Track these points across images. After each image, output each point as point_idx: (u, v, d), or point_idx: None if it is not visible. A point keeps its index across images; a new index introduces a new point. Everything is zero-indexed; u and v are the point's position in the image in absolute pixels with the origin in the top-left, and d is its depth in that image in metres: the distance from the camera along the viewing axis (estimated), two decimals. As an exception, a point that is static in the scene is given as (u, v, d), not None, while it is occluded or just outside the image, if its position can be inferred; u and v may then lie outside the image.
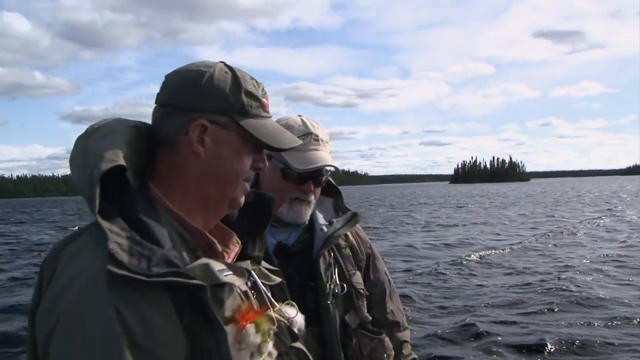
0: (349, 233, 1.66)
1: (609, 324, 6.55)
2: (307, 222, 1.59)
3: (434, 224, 22.63)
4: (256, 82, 1.00)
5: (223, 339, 0.80)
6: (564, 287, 8.42)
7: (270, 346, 0.91)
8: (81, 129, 0.93)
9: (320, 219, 1.62)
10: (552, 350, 5.71)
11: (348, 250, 1.64)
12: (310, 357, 1.05)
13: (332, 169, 1.57)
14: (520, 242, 14.61)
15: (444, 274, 10.29)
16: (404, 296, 8.16)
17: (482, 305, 7.75)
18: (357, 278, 1.61)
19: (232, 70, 0.97)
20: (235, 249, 1.04)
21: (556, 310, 7.30)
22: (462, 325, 6.69)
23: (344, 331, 1.52)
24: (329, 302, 1.50)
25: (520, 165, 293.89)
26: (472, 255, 12.34)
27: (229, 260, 1.00)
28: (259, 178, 1.57)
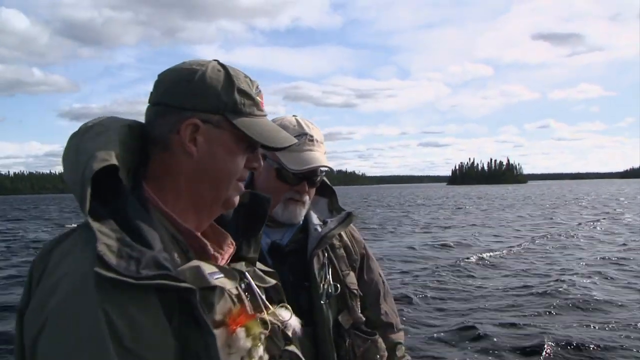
0: (343, 233, 1.67)
1: (607, 326, 6.54)
2: (301, 222, 1.59)
3: (432, 225, 22.66)
4: (250, 80, 0.99)
5: (212, 342, 0.79)
6: (562, 290, 8.43)
7: (261, 350, 0.91)
8: (79, 126, 0.92)
9: (315, 219, 1.63)
10: (550, 352, 5.71)
11: (342, 251, 1.64)
12: None
13: (327, 169, 1.58)
14: (519, 245, 14.63)
15: (442, 275, 10.29)
16: (402, 297, 8.17)
17: (481, 307, 7.75)
18: (351, 278, 1.61)
19: (225, 68, 0.96)
20: (229, 250, 1.03)
21: (554, 312, 7.30)
22: (460, 327, 6.70)
23: (338, 331, 1.52)
24: (322, 302, 1.50)
25: (517, 167, 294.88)
26: (471, 257, 12.33)
27: (223, 262, 0.99)
28: (254, 178, 1.57)
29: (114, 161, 0.83)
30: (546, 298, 8.05)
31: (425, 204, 48.08)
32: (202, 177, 0.93)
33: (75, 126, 0.94)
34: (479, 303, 8.01)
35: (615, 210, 29.14)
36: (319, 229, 1.58)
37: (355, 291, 1.60)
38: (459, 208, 37.49)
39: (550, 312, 7.29)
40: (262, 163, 1.04)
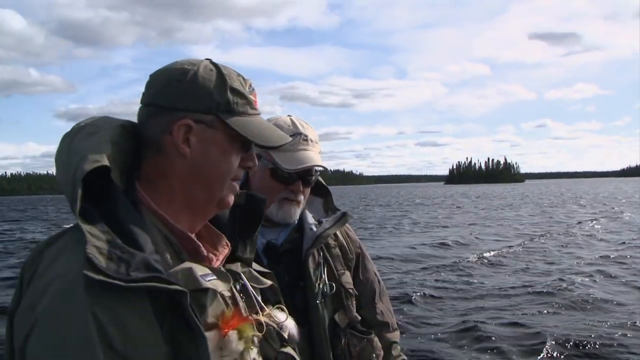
0: (338, 233, 1.67)
1: (607, 324, 6.55)
2: (296, 222, 1.59)
3: (431, 224, 22.67)
4: (243, 79, 0.98)
5: (203, 345, 0.78)
6: (562, 288, 8.43)
7: (254, 353, 0.90)
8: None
9: (310, 218, 1.63)
10: (550, 351, 5.70)
11: (337, 250, 1.64)
12: None
13: (322, 169, 1.58)
14: (518, 243, 14.64)
15: (441, 274, 10.30)
16: (401, 297, 8.17)
17: (480, 306, 7.75)
18: (347, 278, 1.61)
19: (218, 67, 0.95)
20: (224, 251, 1.02)
21: (554, 311, 7.30)
22: (460, 326, 6.70)
23: (333, 331, 1.52)
24: (318, 301, 1.50)
25: (514, 166, 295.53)
26: (470, 256, 12.34)
27: (218, 263, 0.98)
28: (249, 178, 1.57)
29: (106, 162, 0.82)
30: (546, 297, 8.06)
31: (423, 203, 48.11)
32: (196, 178, 0.92)
33: (71, 127, 0.93)
34: (478, 302, 8.01)
35: (614, 208, 29.18)
36: (314, 229, 1.58)
37: (350, 290, 1.60)
38: (458, 207, 37.52)
39: (549, 311, 7.30)
40: (256, 162, 1.03)
